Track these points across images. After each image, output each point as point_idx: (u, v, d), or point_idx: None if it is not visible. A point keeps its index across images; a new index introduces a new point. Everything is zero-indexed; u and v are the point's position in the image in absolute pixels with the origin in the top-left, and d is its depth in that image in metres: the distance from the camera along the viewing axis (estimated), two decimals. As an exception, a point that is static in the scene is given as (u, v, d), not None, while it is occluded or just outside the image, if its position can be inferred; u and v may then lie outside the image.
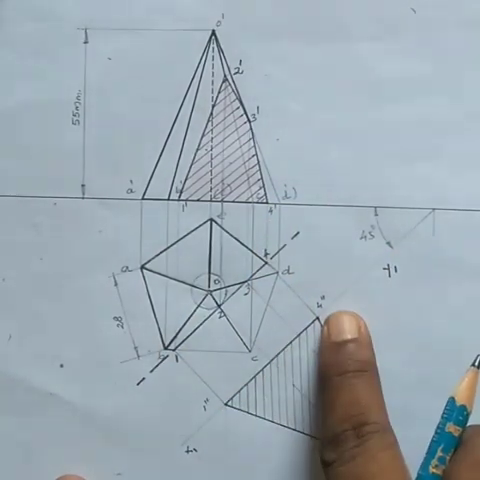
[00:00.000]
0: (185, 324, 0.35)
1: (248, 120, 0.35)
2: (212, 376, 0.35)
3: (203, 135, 0.35)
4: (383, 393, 0.33)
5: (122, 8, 0.35)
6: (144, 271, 0.35)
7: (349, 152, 0.35)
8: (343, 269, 0.34)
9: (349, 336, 0.33)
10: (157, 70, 0.35)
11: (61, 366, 0.35)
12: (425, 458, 0.31)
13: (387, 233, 0.34)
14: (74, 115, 0.35)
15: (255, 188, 0.35)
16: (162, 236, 0.35)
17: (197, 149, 0.35)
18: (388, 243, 0.34)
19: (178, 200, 0.35)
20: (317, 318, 0.35)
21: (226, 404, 0.35)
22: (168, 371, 0.35)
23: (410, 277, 0.34)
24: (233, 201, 0.35)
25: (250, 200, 0.35)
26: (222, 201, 0.35)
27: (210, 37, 0.34)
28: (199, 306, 0.35)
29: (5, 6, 0.35)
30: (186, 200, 0.35)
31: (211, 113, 0.35)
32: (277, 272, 0.35)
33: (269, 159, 0.35)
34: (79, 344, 0.35)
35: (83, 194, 0.35)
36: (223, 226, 0.35)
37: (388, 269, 0.34)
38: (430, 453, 0.30)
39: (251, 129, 0.35)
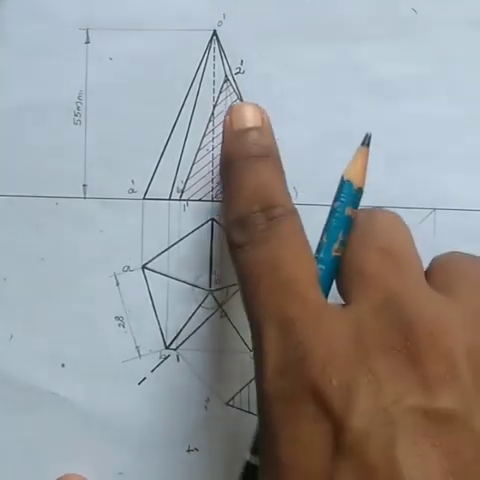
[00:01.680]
0: (186, 324, 0.35)
1: (249, 120, 0.35)
2: (213, 376, 0.35)
3: (204, 135, 0.35)
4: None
5: (123, 8, 0.35)
6: (145, 271, 0.35)
7: (349, 152, 0.35)
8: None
9: (252, 124, 0.32)
10: (158, 70, 0.35)
11: (62, 366, 0.35)
12: (325, 243, 0.30)
13: (388, 233, 0.34)
14: (75, 115, 0.35)
15: (256, 188, 0.35)
16: (163, 236, 0.35)
17: (198, 149, 0.35)
18: (389, 243, 0.34)
19: (179, 200, 0.35)
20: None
21: (227, 404, 0.35)
22: (169, 371, 0.35)
23: (411, 277, 0.35)
24: (234, 201, 0.35)
25: (251, 200, 0.35)
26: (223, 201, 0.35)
27: (211, 37, 0.35)
28: (200, 306, 0.35)
29: (6, 6, 0.35)
30: (187, 200, 0.35)
31: (212, 113, 0.35)
32: (278, 272, 0.35)
33: (270, 159, 0.35)
34: (80, 344, 0.35)
35: (84, 194, 0.35)
36: (224, 226, 0.35)
37: (389, 269, 0.35)
38: (331, 237, 0.30)
39: (252, 129, 0.35)
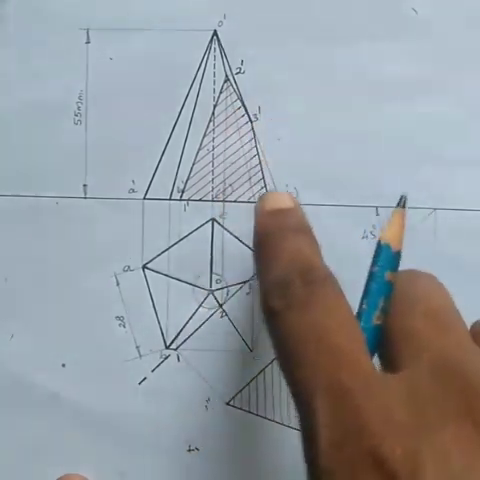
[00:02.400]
0: (187, 323, 0.35)
1: (250, 120, 0.35)
2: (214, 375, 0.35)
3: (205, 135, 0.35)
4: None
5: (124, 8, 0.35)
6: (146, 271, 0.35)
7: (350, 152, 0.35)
8: (344, 269, 0.34)
9: (285, 205, 0.30)
10: (158, 70, 0.35)
11: (63, 366, 0.35)
12: (364, 310, 0.28)
13: (388, 233, 0.34)
14: (76, 115, 0.35)
15: (257, 188, 0.35)
16: (164, 236, 0.35)
17: (199, 149, 0.35)
18: (389, 243, 0.34)
19: (180, 200, 0.35)
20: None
21: (228, 403, 0.35)
22: (170, 370, 0.35)
23: (411, 277, 0.34)
24: (235, 201, 0.35)
25: (252, 200, 0.35)
26: (224, 201, 0.35)
27: (212, 37, 0.35)
28: (201, 306, 0.35)
29: (6, 6, 0.35)
30: (188, 200, 0.35)
31: (213, 113, 0.35)
32: (278, 272, 0.35)
33: (271, 159, 0.35)
34: (81, 344, 0.35)
35: (85, 194, 0.35)
36: (225, 226, 0.35)
37: (389, 269, 0.34)
38: (371, 304, 0.28)
39: (253, 129, 0.35)
